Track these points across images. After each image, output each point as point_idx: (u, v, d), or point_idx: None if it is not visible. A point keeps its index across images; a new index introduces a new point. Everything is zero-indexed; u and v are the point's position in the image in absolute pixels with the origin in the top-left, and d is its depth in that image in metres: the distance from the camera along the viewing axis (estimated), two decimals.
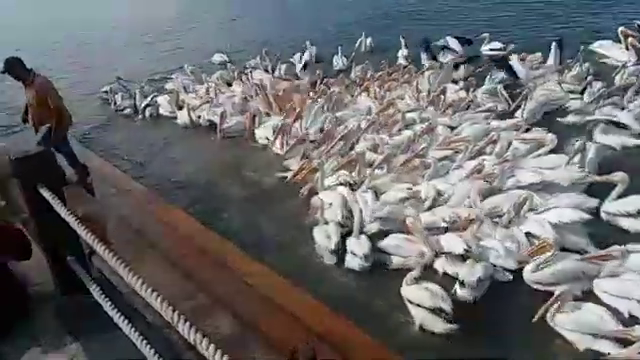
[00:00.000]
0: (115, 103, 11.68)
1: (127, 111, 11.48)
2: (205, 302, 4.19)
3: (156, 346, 1.95)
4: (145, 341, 1.95)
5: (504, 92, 8.77)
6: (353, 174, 6.91)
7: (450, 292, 4.79)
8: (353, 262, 5.51)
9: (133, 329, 2.09)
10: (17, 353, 2.56)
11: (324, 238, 5.78)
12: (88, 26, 21.12)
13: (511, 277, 5.08)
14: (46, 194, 2.65)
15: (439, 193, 6.20)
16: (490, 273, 4.93)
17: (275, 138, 8.40)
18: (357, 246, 5.51)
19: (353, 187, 6.69)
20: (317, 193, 6.72)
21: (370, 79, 10.23)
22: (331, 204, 6.29)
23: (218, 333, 3.80)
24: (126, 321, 2.18)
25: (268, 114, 9.47)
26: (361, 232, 5.70)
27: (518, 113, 8.30)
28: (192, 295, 4.30)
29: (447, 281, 5.04)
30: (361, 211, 5.83)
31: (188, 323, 1.57)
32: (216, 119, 9.53)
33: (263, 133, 8.93)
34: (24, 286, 3.00)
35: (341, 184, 6.72)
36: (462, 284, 4.81)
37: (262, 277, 4.65)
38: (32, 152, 2.79)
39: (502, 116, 8.35)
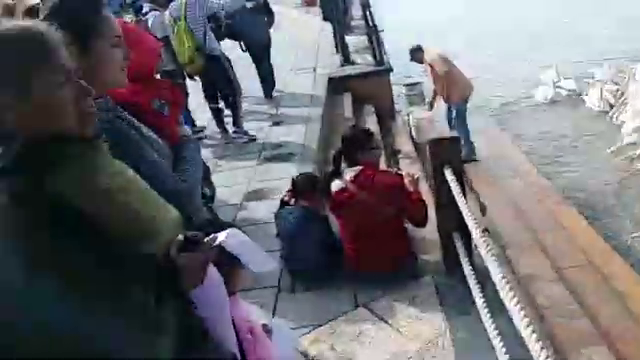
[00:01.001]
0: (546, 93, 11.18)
1: (554, 102, 11.01)
2: (586, 328, 3.71)
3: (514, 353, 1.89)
4: (502, 344, 1.93)
5: None
6: None
7: None
8: None
9: (493, 326, 2.09)
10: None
11: None
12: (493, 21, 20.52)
13: None
14: (449, 175, 2.86)
15: None
16: None
17: None
18: None
19: None
20: None
21: None
22: None
23: None
24: (489, 314, 2.19)
25: None
26: None
27: None
28: (573, 314, 3.86)
29: None
30: None
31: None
32: None
33: None
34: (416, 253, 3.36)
35: None
36: None
37: None
38: (445, 135, 3.05)
39: None
